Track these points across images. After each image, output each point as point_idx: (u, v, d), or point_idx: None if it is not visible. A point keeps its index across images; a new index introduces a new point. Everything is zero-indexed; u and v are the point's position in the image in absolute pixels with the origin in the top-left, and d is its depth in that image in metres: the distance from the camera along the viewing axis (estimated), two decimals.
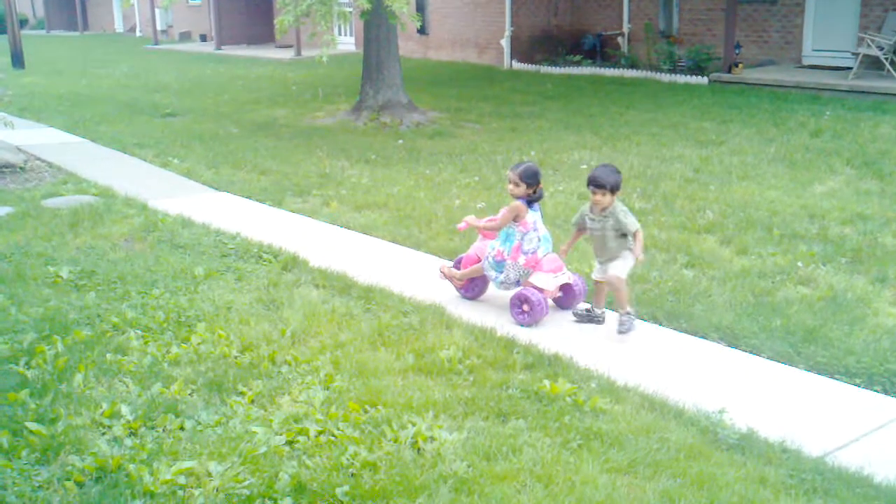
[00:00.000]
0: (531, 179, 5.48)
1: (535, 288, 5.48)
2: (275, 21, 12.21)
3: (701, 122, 11.97)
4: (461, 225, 5.94)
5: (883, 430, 4.27)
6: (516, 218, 5.53)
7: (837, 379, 4.80)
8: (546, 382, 4.62)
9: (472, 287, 5.95)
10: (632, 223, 5.37)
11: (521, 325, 5.47)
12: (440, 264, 6.27)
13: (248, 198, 8.62)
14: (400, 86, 13.58)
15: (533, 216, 5.55)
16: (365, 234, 7.46)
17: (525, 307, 5.48)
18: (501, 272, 5.65)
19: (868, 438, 4.17)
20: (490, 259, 5.69)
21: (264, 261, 6.60)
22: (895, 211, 7.64)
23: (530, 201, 5.53)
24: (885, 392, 4.64)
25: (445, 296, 5.93)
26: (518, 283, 5.62)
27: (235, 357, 4.92)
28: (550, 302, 5.66)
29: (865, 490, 3.70)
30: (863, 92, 13.28)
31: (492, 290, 5.93)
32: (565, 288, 5.72)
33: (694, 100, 13.78)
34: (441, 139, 11.77)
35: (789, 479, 3.82)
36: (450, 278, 5.97)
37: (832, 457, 3.97)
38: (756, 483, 3.80)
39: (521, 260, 5.57)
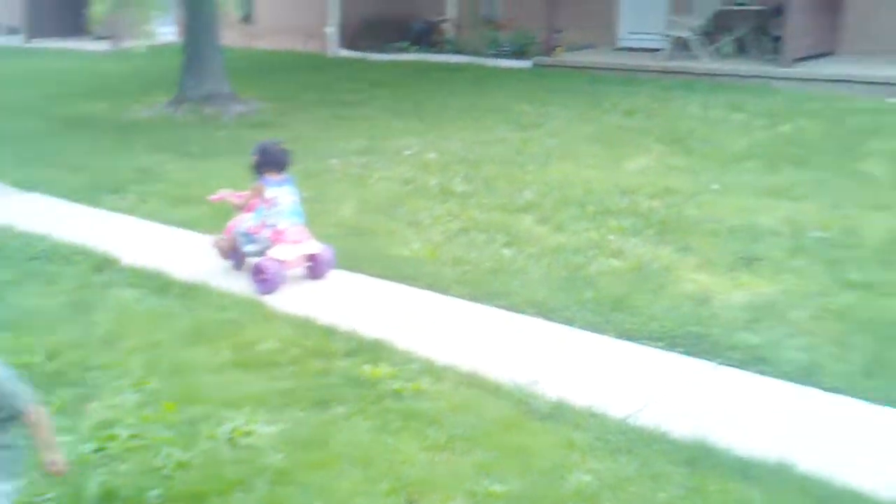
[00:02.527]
0: (262, 156, 6.02)
1: (275, 259, 5.88)
2: (89, 11, 11.68)
3: (523, 105, 12.27)
4: (214, 196, 6.33)
5: (680, 388, 4.54)
6: (259, 194, 5.99)
7: (643, 344, 5.06)
8: (366, 367, 4.68)
9: (235, 256, 6.24)
10: None
11: (260, 293, 5.81)
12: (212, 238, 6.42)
13: (61, 197, 8.26)
14: (222, 76, 13.28)
15: (275, 191, 5.95)
16: (184, 229, 7.29)
17: (261, 276, 5.86)
18: (251, 244, 6.05)
19: (667, 397, 4.43)
20: (242, 231, 6.08)
21: (74, 262, 6.35)
22: (700, 185, 8.08)
23: (265, 174, 5.99)
24: (686, 353, 4.92)
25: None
26: (263, 253, 5.98)
27: (41, 365, 4.71)
28: (303, 271, 6.09)
29: (663, 446, 3.94)
30: (673, 72, 13.94)
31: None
32: (314, 258, 6.07)
33: (517, 84, 14.11)
34: (265, 129, 11.56)
35: (596, 442, 4.02)
36: (218, 249, 6.29)
37: (634, 417, 4.20)
38: (566, 448, 3.98)
39: (266, 233, 5.98)
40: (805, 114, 10.77)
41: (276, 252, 5.93)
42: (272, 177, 5.99)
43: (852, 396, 4.37)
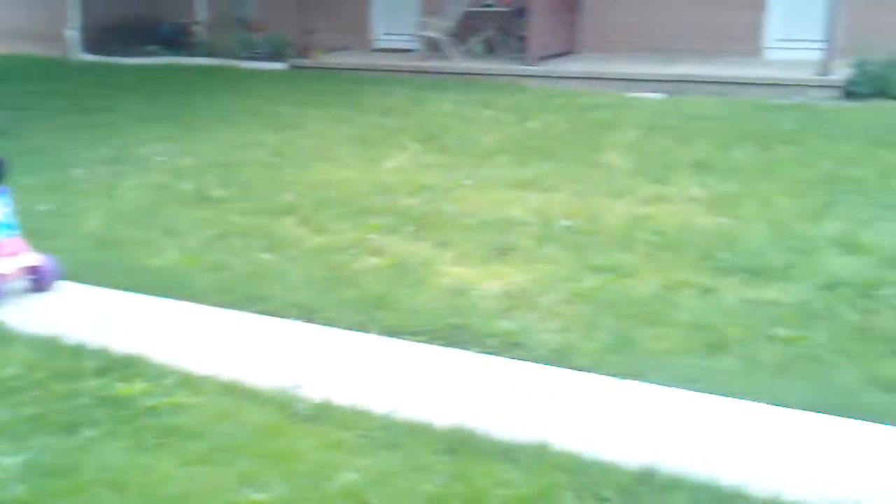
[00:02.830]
0: None
1: None
2: None
3: (279, 107, 12.14)
4: None
5: (442, 379, 4.65)
6: None
7: (405, 339, 5.13)
8: (119, 385, 4.45)
9: None
10: None
11: None
12: None
13: None
14: None
15: None
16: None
17: None
18: None
19: (430, 389, 4.52)
20: None
21: None
22: (454, 180, 8.30)
23: None
24: (447, 345, 5.03)
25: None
26: None
27: None
28: (27, 284, 5.83)
29: (426, 437, 4.00)
30: (427, 72, 14.28)
31: None
32: (35, 269, 5.85)
33: (273, 86, 13.95)
34: (1, 140, 10.81)
35: (361, 440, 4.02)
36: None
37: (398, 412, 4.25)
38: (331, 449, 3.95)
39: None
40: (551, 109, 11.34)
41: None
42: None
43: (600, 373, 4.63)
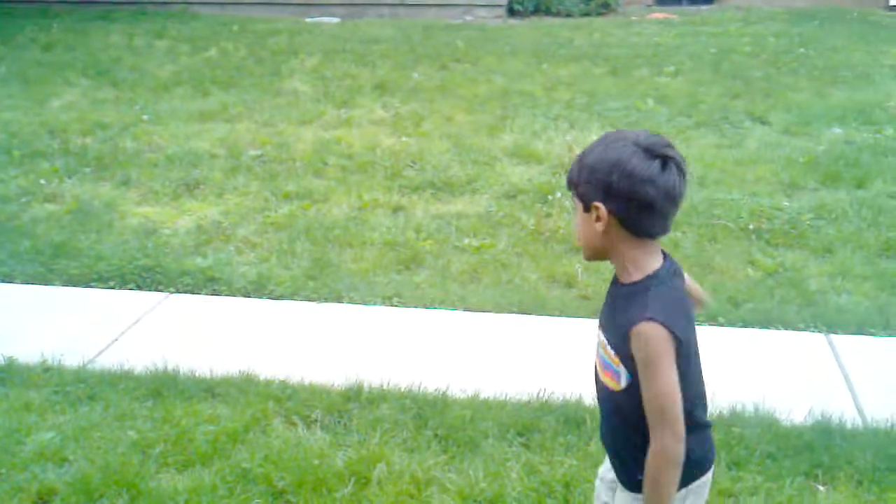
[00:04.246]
0: None
1: None
2: None
3: None
4: None
5: (139, 324, 4.46)
6: None
7: (93, 286, 4.86)
8: None
9: None
10: None
11: None
12: None
13: None
14: None
15: None
16: None
17: None
18: None
19: (129, 336, 4.33)
20: None
21: None
22: (132, 116, 7.88)
23: None
24: (139, 287, 4.84)
25: None
26: None
27: None
28: None
29: (127, 384, 3.84)
30: (91, 2, 13.30)
31: None
32: None
33: None
34: None
35: (54, 396, 3.79)
36: None
37: (94, 363, 4.04)
38: (21, 410, 3.70)
39: None
40: (228, 37, 11.02)
41: None
42: None
43: (300, 300, 4.66)
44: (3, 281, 4.94)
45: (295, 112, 7.93)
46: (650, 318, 1.91)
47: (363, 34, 11.26)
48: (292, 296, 4.70)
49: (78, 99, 8.56)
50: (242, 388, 3.80)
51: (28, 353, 4.10)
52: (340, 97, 8.39)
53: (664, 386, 1.92)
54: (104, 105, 8.30)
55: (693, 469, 2.04)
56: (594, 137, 6.78)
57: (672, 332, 1.91)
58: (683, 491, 2.05)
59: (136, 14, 12.54)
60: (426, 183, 6.19)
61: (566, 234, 5.27)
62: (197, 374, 3.91)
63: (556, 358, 4.06)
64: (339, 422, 3.58)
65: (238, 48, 10.44)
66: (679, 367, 1.94)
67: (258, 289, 4.76)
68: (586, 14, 12.51)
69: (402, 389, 3.76)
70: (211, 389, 3.81)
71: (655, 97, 8.12)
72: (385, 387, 3.78)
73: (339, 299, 4.66)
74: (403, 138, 7.18)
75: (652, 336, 1.91)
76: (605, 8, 12.83)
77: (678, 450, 1.93)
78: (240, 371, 3.92)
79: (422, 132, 7.32)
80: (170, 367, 3.95)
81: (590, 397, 3.43)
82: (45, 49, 10.58)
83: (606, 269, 4.82)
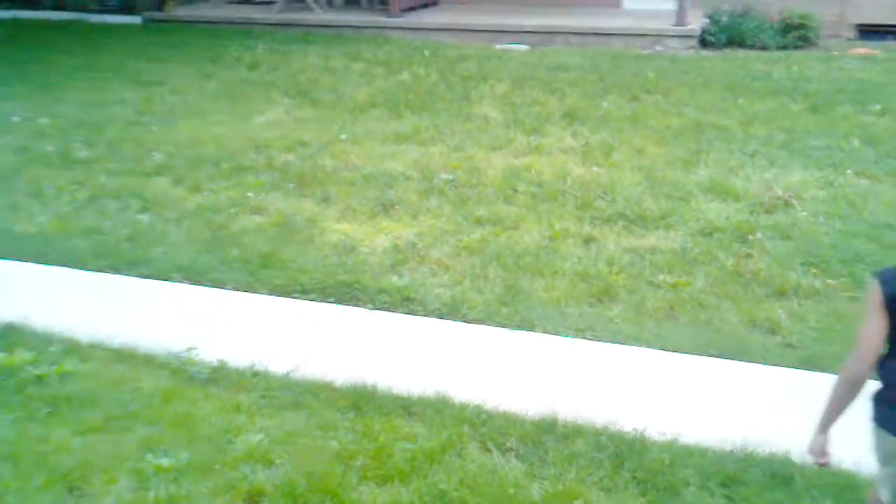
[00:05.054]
0: None
1: None
2: None
3: (138, 62, 11.66)
4: None
5: (338, 337, 4.64)
6: None
7: (296, 298, 5.09)
8: (1, 356, 4.27)
9: None
10: None
11: None
12: None
13: None
14: None
15: None
16: None
17: None
18: None
19: (327, 348, 4.51)
20: None
21: None
22: (330, 135, 8.21)
23: None
24: (339, 302, 5.02)
25: None
26: None
27: None
28: None
29: (328, 395, 4.01)
30: (289, 25, 13.96)
31: None
32: None
33: (129, 40, 13.36)
34: None
35: (261, 401, 4.00)
36: None
37: (297, 371, 4.23)
38: (231, 411, 3.92)
39: None
40: (420, 62, 11.30)
41: None
42: None
43: (493, 325, 4.72)
44: (214, 286, 5.24)
45: (485, 137, 8.05)
46: None
47: (551, 62, 11.31)
48: (485, 320, 4.77)
49: (280, 117, 9.00)
50: (438, 409, 3.88)
51: (237, 356, 4.34)
52: (529, 124, 8.46)
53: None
54: (304, 123, 8.68)
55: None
56: (796, 177, 6.62)
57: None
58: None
59: (332, 38, 13.06)
60: (617, 215, 6.16)
61: (767, 276, 5.12)
62: (394, 391, 4.03)
63: (759, 408, 3.93)
64: (533, 452, 3.60)
65: (430, 73, 10.70)
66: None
67: (452, 311, 4.85)
68: (783, 47, 12.13)
69: (598, 426, 3.74)
70: (408, 407, 3.92)
71: (861, 137, 7.77)
72: (580, 421, 3.77)
73: (531, 327, 4.69)
74: (594, 168, 7.16)
75: None
76: (804, 41, 12.39)
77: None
78: (435, 392, 4.01)
79: (612, 163, 7.28)
80: (368, 382, 4.09)
81: (797, 453, 3.32)
82: (251, 68, 11.17)
83: (813, 316, 4.67)
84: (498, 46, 12.37)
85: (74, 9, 15.85)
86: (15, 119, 8.81)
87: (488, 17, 13.56)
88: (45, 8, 16.21)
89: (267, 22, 14.12)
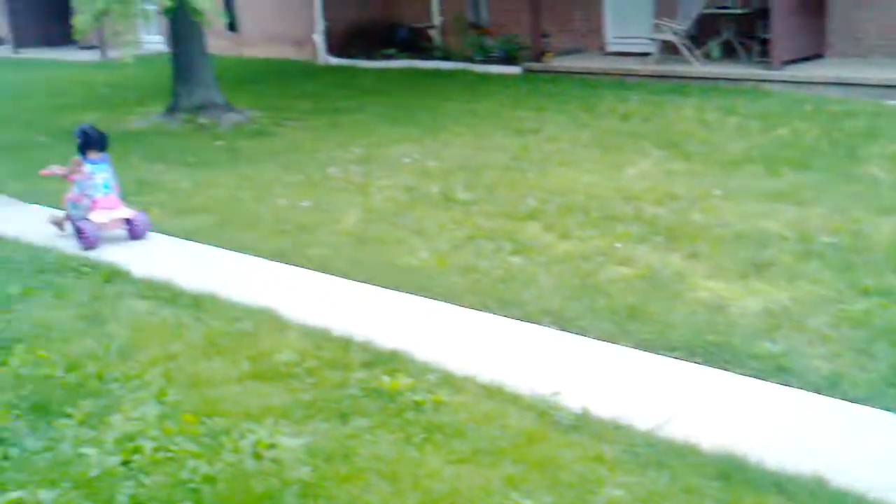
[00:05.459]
0: (79, 138, 7.20)
1: (92, 222, 7.09)
2: (72, 21, 11.60)
3: (517, 110, 12.27)
4: (45, 171, 7.41)
5: (704, 399, 4.52)
6: (78, 168, 7.18)
7: (661, 353, 5.03)
8: (386, 379, 4.64)
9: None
10: None
11: (83, 249, 7.00)
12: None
13: (61, 209, 8.18)
14: (214, 85, 13.22)
15: (91, 168, 7.15)
16: (188, 239, 7.24)
17: (81, 235, 7.08)
18: (74, 210, 7.19)
19: (692, 409, 4.40)
20: (69, 200, 7.26)
21: (84, 274, 6.30)
22: (702, 189, 8.07)
23: (87, 154, 7.16)
24: (706, 363, 4.90)
25: (277, 298, 5.82)
26: (84, 218, 7.13)
27: (60, 377, 4.67)
28: (122, 232, 7.30)
29: (693, 459, 3.90)
30: (664, 76, 13.97)
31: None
32: (128, 221, 7.27)
33: (509, 89, 14.10)
34: (261, 138, 11.56)
35: (624, 455, 3.98)
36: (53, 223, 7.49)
37: (662, 430, 4.17)
38: (593, 461, 3.94)
39: (85, 202, 7.16)
40: (800, 116, 10.80)
41: (93, 216, 7.10)
42: (92, 156, 7.17)
43: (879, 407, 4.34)
44: (580, 334, 5.33)
45: (873, 200, 7.48)
46: None
47: None
48: (867, 401, 4.40)
49: (651, 168, 9.00)
50: (813, 492, 3.62)
51: (600, 406, 4.36)
52: None
53: None
54: (675, 176, 8.62)
55: None
56: None
57: None
58: None
59: (707, 90, 12.87)
60: None
61: None
62: (765, 465, 3.82)
63: None
64: None
65: (811, 128, 10.18)
66: None
67: (831, 386, 4.53)
68: None
69: None
70: (780, 485, 3.69)
71: None
72: None
73: None
74: None
75: None
76: None
77: None
78: (812, 472, 3.74)
79: None
80: (737, 451, 3.92)
81: None
82: (623, 119, 11.32)
83: None
84: (889, 102, 11.49)
85: (461, 59, 17.02)
86: (406, 161, 9.61)
87: (880, 71, 12.66)
88: (435, 58, 17.58)
89: (642, 73, 14.24)
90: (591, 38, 16.77)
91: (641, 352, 5.06)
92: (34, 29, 26.72)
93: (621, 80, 14.08)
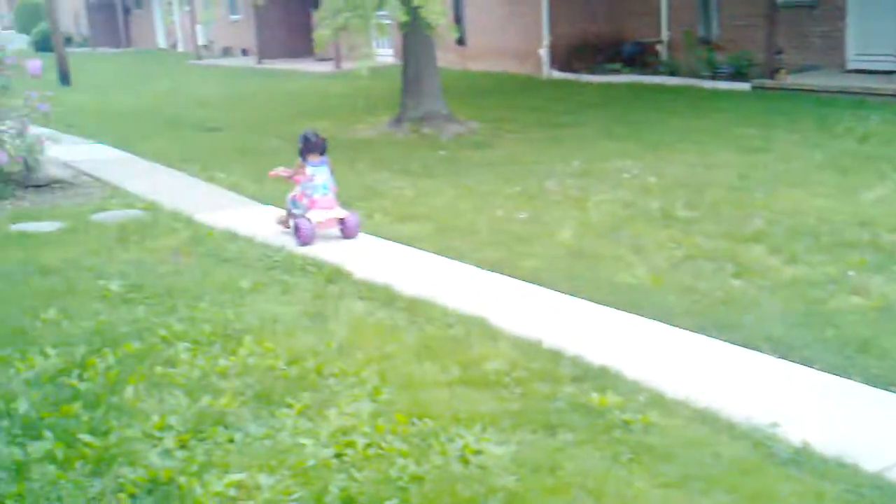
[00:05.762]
0: (301, 143, 7.62)
1: (309, 220, 7.48)
2: (313, 35, 12.29)
3: (744, 128, 11.84)
4: (272, 172, 8.03)
5: None
6: (301, 170, 7.65)
7: (894, 391, 4.69)
8: (594, 395, 4.58)
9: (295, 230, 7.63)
10: None
11: (299, 245, 7.41)
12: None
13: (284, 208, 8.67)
14: (439, 97, 13.60)
15: (312, 170, 7.57)
16: (408, 245, 7.46)
17: (299, 232, 7.49)
18: (296, 208, 7.65)
19: None
20: (291, 199, 7.74)
21: (309, 273, 6.63)
22: None
23: (308, 157, 7.59)
24: None
25: (490, 307, 5.89)
26: (303, 216, 7.54)
27: (282, 369, 4.93)
28: (336, 231, 7.70)
29: None
30: None
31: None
32: (341, 221, 7.64)
33: (736, 106, 13.64)
34: (482, 150, 11.76)
35: (847, 495, 3.73)
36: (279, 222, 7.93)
37: (891, 472, 3.88)
38: (813, 499, 3.72)
39: (305, 201, 7.59)
40: None
41: (310, 215, 7.50)
42: (312, 159, 7.59)
43: None
44: (802, 363, 5.05)
45: None
46: None
47: None
48: None
49: (890, 193, 8.43)
50: None
51: (822, 441, 4.11)
52: None
53: None
54: None
55: None
56: None
57: None
58: None
59: None
60: None
61: None
62: None
63: None
64: None
65: None
66: None
67: None
68: None
69: None
70: None
71: None
72: None
73: None
74: None
75: None
76: None
77: None
78: None
79: None
80: None
81: None
82: (861, 140, 10.67)
83: None
84: None
85: (688, 75, 16.66)
86: (625, 176, 9.48)
87: None
88: (660, 73, 17.28)
89: (883, 93, 13.40)
90: (830, 54, 15.94)
91: (871, 388, 4.73)
92: (276, 42, 28.66)
93: (861, 100, 13.29)
